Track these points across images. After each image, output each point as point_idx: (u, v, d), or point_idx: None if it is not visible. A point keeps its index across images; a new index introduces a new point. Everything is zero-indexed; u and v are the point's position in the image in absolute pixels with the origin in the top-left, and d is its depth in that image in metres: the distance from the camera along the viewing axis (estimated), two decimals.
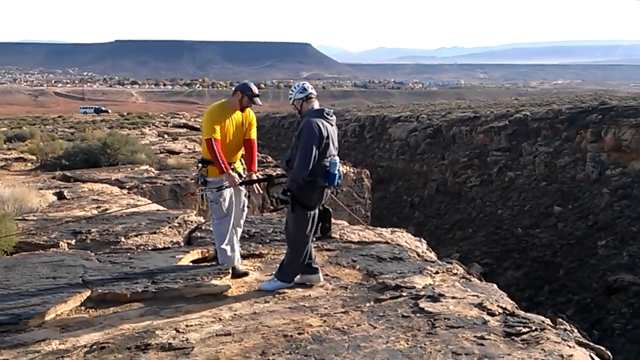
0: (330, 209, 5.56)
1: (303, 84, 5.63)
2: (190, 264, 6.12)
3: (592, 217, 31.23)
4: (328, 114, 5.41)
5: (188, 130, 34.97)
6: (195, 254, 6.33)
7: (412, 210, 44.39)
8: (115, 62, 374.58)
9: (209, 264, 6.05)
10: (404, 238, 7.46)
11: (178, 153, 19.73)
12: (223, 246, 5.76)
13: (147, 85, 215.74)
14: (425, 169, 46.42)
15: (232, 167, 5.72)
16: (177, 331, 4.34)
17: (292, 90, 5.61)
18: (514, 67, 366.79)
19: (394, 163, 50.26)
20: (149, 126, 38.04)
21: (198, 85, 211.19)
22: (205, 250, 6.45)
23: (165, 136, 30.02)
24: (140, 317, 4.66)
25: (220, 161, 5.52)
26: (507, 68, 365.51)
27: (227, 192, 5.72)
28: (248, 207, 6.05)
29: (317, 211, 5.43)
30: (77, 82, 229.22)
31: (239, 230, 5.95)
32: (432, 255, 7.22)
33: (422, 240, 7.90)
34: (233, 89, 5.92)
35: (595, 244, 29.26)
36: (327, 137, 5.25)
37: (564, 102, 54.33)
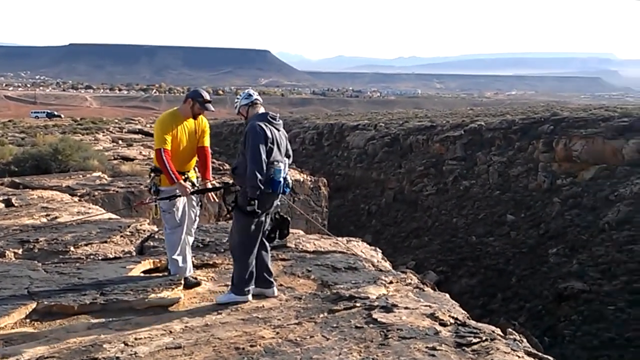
0: (289, 218, 5.52)
1: (248, 91, 5.60)
2: (142, 274, 5.99)
3: (544, 226, 31.95)
4: (273, 118, 5.34)
5: (143, 136, 34.40)
6: (146, 264, 6.21)
7: (369, 218, 44.64)
8: (70, 66, 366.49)
9: (160, 274, 5.94)
10: (360, 247, 7.49)
11: (132, 159, 19.39)
12: (175, 256, 5.67)
13: (102, 90, 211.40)
14: (383, 177, 46.78)
15: (185, 176, 5.65)
16: (126, 344, 4.23)
17: (237, 98, 5.55)
18: (470, 78, 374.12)
19: (352, 171, 50.48)
20: (103, 132, 37.31)
21: (155, 90, 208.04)
22: (157, 261, 6.33)
23: (120, 142, 29.50)
24: (87, 330, 4.52)
25: (170, 171, 5.45)
26: (463, 78, 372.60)
27: (180, 202, 5.64)
28: (203, 215, 5.98)
29: (263, 220, 5.32)
30: (29, 85, 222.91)
31: (191, 239, 5.86)
32: (387, 265, 7.27)
33: (378, 249, 7.93)
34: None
35: (546, 252, 29.93)
36: (272, 141, 5.16)
37: (517, 112, 55.60)
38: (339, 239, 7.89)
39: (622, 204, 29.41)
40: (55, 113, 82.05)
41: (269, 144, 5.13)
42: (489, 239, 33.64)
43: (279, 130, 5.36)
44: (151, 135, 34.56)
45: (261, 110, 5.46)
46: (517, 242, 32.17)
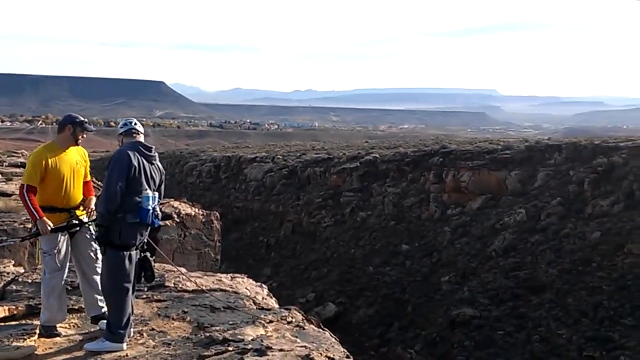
0: (148, 255, 5.14)
1: (127, 119, 5.28)
2: None
3: (436, 254, 32.95)
4: (146, 149, 5.02)
5: (24, 169, 32.29)
6: (0, 311, 5.56)
7: (268, 251, 44.24)
8: None
9: (17, 322, 5.33)
10: (245, 284, 7.20)
11: (10, 195, 18.00)
12: (51, 301, 5.14)
13: None
14: (281, 209, 46.65)
15: (71, 213, 5.18)
16: None
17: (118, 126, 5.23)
18: (365, 112, 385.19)
19: (250, 203, 50.02)
20: None
21: (41, 121, 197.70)
22: (14, 307, 5.68)
23: (0, 176, 27.48)
24: None
25: (32, 207, 4.99)
26: (358, 112, 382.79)
27: (63, 243, 5.15)
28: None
29: (134, 254, 4.95)
30: None
31: (97, 278, 5.32)
32: (272, 302, 7.03)
33: (264, 285, 7.70)
34: (57, 126, 5.43)
35: (439, 280, 30.82)
36: (139, 171, 4.84)
37: (410, 145, 57.56)
38: (223, 275, 7.59)
39: (507, 232, 30.95)
40: None
41: (135, 174, 4.81)
42: (386, 269, 34.20)
43: (151, 164, 5.04)
44: None
45: (139, 140, 5.13)
46: (412, 271, 32.92)
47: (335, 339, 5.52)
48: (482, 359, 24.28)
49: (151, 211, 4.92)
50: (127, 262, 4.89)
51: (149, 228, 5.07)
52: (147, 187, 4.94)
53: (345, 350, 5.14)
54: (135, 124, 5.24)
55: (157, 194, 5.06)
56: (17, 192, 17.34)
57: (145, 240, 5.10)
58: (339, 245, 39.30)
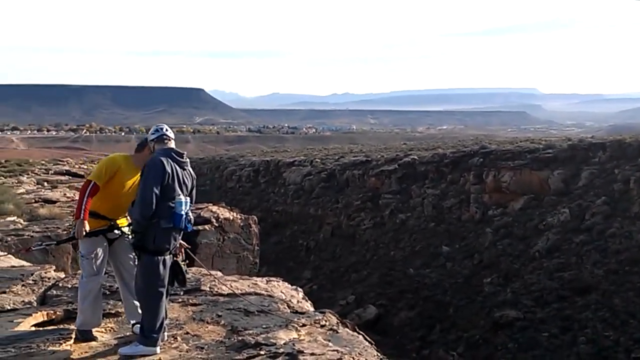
0: (179, 260, 5.18)
1: (158, 125, 5.32)
2: (33, 328, 5.41)
3: (478, 256, 32.47)
4: (179, 155, 5.09)
5: (70, 177, 33.12)
6: (39, 316, 5.63)
7: (308, 254, 44.32)
8: None
9: (56, 327, 5.41)
10: (280, 287, 7.17)
11: (55, 202, 18.50)
12: (86, 305, 5.21)
13: (30, 131, 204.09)
14: (320, 212, 46.71)
15: (111, 222, 5.24)
16: None
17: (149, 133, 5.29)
18: (403, 114, 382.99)
19: (289, 207, 50.25)
20: (28, 174, 35.71)
21: (85, 130, 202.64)
22: (52, 312, 5.76)
23: (45, 184, 28.26)
24: None
25: (83, 206, 5.04)
26: (395, 114, 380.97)
27: (101, 249, 5.22)
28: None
29: (168, 259, 5.02)
30: None
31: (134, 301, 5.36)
32: (308, 305, 6.98)
33: (299, 289, 7.65)
34: (137, 143, 5.46)
35: (481, 281, 30.35)
36: (172, 177, 4.92)
37: (448, 146, 57.05)
38: (258, 279, 7.59)
39: (550, 233, 30.30)
40: None
41: (168, 180, 4.89)
42: (426, 271, 33.88)
43: (183, 169, 5.12)
44: (80, 176, 33.39)
45: (170, 145, 5.20)
46: (453, 272, 32.52)
47: (370, 342, 5.43)
48: None
49: (184, 216, 4.97)
50: (161, 266, 4.96)
51: (182, 233, 5.14)
52: (179, 192, 5.00)
53: (379, 354, 5.06)
54: (167, 130, 5.29)
55: (189, 199, 5.13)
56: (62, 199, 17.72)
57: (178, 245, 5.17)
58: (379, 247, 39.11)
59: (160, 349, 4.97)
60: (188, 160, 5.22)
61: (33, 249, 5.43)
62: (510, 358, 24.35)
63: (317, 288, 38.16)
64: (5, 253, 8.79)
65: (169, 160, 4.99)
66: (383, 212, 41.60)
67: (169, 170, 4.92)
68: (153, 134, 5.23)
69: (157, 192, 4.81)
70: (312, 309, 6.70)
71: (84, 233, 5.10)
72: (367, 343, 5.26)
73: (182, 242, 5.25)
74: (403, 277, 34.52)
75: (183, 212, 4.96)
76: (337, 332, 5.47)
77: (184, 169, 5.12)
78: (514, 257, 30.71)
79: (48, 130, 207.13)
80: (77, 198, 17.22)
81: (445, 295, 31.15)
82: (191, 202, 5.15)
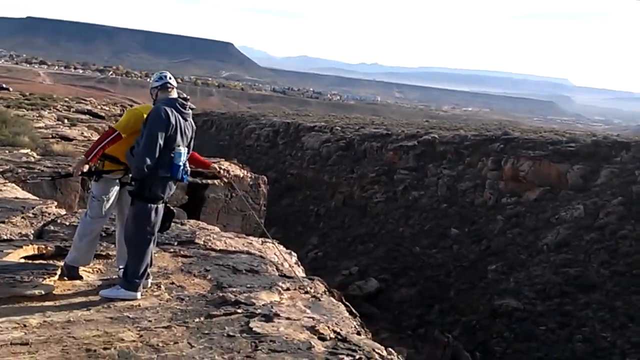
0: (174, 210, 5.21)
1: (162, 72, 5.29)
2: (22, 260, 5.45)
3: (486, 242, 32.36)
4: (182, 106, 5.08)
5: (91, 117, 33.26)
6: (29, 249, 5.68)
7: (317, 220, 44.51)
8: (26, 40, 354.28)
9: (44, 261, 5.43)
10: (274, 250, 7.14)
11: (71, 140, 18.57)
12: (83, 243, 5.23)
13: (57, 67, 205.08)
14: (334, 180, 46.71)
15: (128, 169, 5.21)
16: None
17: (152, 79, 5.28)
18: (429, 90, 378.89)
19: (304, 172, 50.32)
20: (50, 109, 35.95)
21: (112, 72, 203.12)
22: (43, 247, 5.81)
23: (65, 121, 28.42)
24: None
25: (96, 150, 5.07)
26: (422, 90, 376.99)
27: (113, 193, 5.23)
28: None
29: (160, 208, 5.06)
30: None
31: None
32: (299, 270, 6.97)
33: (293, 253, 7.66)
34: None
35: (486, 268, 30.30)
36: (175, 128, 4.92)
37: (471, 128, 56.43)
38: (254, 239, 7.59)
39: (562, 227, 30.02)
40: (4, 86, 78.94)
41: (171, 131, 4.90)
42: (432, 251, 33.90)
43: (186, 120, 5.11)
44: (100, 117, 33.55)
45: (173, 94, 5.16)
46: (459, 255, 32.49)
47: (355, 314, 5.44)
48: (521, 351, 23.88)
49: (182, 167, 5.02)
50: (153, 214, 5.01)
51: (176, 182, 5.18)
52: (180, 143, 5.02)
53: (357, 326, 5.06)
54: (170, 78, 5.27)
55: (186, 149, 5.14)
56: (79, 137, 17.78)
57: (172, 192, 5.25)
58: (388, 222, 39.11)
59: (142, 295, 4.98)
60: (191, 111, 5.22)
61: (29, 181, 5.41)
62: (505, 347, 24.43)
63: (322, 255, 38.40)
64: (5, 181, 8.83)
65: (173, 110, 4.98)
66: (397, 187, 41.48)
67: (173, 122, 4.92)
68: (157, 81, 5.21)
69: (161, 142, 4.83)
70: (302, 274, 6.70)
71: (79, 173, 5.13)
72: (347, 314, 5.24)
73: (225, 170, 5.35)
74: (409, 254, 34.58)
75: (181, 163, 5.00)
76: (320, 300, 5.46)
77: (186, 120, 5.12)
78: (521, 247, 30.55)
79: (75, 68, 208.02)
80: (93, 138, 17.28)
81: (448, 277, 31.19)
82: (189, 153, 5.16)
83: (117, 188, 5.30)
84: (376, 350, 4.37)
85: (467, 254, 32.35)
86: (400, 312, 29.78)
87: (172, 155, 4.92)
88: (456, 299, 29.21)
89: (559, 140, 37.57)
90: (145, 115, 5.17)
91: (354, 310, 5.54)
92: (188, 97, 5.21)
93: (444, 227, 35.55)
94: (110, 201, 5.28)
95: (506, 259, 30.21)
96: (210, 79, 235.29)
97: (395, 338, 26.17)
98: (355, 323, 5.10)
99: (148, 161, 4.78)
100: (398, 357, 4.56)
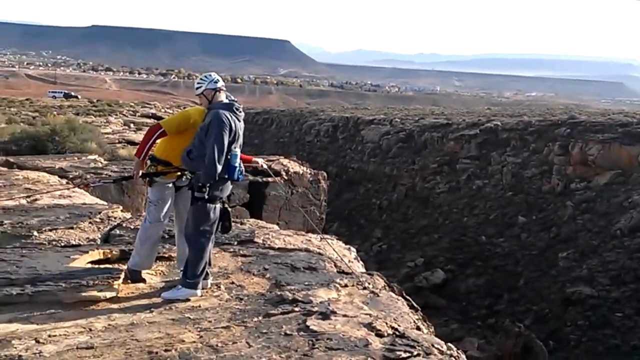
0: (229, 208, 5.26)
1: (214, 75, 5.36)
2: (89, 265, 5.59)
3: (555, 229, 31.33)
4: (237, 110, 5.20)
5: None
6: (95, 254, 5.81)
7: (380, 213, 44.23)
8: (91, 48, 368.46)
9: (110, 265, 5.55)
10: (334, 245, 7.09)
11: (136, 144, 19.11)
12: (144, 247, 5.32)
13: (122, 73, 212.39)
14: (396, 172, 46.31)
15: (183, 173, 5.24)
16: (37, 342, 3.91)
17: (202, 80, 5.32)
18: (490, 77, 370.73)
19: (365, 165, 50.14)
20: (116, 114, 37.27)
21: (174, 75, 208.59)
22: (108, 251, 5.95)
23: (131, 126, 29.36)
24: (7, 322, 4.19)
25: (146, 147, 5.14)
26: (483, 77, 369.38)
27: (169, 197, 5.29)
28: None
29: (219, 207, 5.16)
30: (50, 65, 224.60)
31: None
32: (358, 265, 6.90)
33: (352, 248, 7.58)
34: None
35: (556, 255, 29.32)
36: (235, 134, 5.06)
37: (535, 114, 54.77)
38: (313, 236, 7.56)
39: (635, 211, 28.69)
40: (73, 94, 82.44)
41: (232, 136, 5.05)
42: (499, 240, 33.09)
43: (239, 121, 5.22)
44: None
45: (223, 97, 5.30)
46: (527, 244, 31.59)
47: (416, 308, 5.33)
48: (596, 339, 22.99)
49: (238, 168, 5.12)
50: (212, 213, 5.10)
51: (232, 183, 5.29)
52: (235, 145, 5.14)
53: (417, 320, 4.93)
54: (218, 80, 5.35)
55: (239, 149, 5.27)
56: None
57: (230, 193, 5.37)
58: (452, 212, 38.44)
59: (202, 295, 5.03)
60: (243, 113, 5.34)
61: (92, 185, 5.56)
62: (580, 335, 23.58)
63: (387, 248, 38.14)
64: (70, 185, 9.11)
65: (232, 115, 5.12)
66: (459, 177, 40.72)
67: (234, 127, 5.06)
68: (214, 82, 5.28)
69: (226, 150, 4.98)
70: (361, 269, 6.63)
71: (140, 173, 5.22)
72: (406, 309, 5.12)
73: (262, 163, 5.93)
74: (474, 244, 33.89)
75: (237, 164, 5.09)
76: (378, 296, 5.38)
77: (240, 121, 5.23)
78: (593, 233, 29.39)
79: (139, 73, 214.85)
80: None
81: (516, 265, 30.37)
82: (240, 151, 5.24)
83: (172, 191, 5.35)
84: (435, 345, 4.29)
85: (535, 242, 31.39)
86: (468, 302, 29.22)
87: (229, 157, 5.03)
88: (526, 288, 28.40)
89: (629, 122, 35.91)
90: (195, 118, 5.21)
91: (414, 305, 5.43)
92: (241, 105, 5.35)
93: (510, 216, 34.63)
94: (167, 205, 5.34)
95: (577, 246, 29.14)
96: (268, 77, 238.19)
97: (465, 329, 25.74)
98: (415, 317, 5.02)
99: (219, 168, 4.92)
100: (458, 353, 4.45)
